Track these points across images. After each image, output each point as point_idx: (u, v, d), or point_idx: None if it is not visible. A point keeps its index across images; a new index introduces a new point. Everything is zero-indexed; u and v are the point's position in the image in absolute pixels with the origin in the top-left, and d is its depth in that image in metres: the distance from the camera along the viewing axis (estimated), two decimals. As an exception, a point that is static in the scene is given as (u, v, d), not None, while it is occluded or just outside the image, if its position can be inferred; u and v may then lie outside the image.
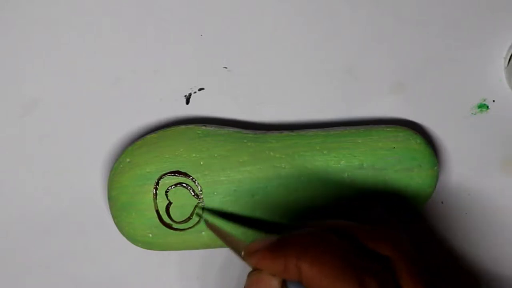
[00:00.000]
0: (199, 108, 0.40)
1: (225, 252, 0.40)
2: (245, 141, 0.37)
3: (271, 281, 0.30)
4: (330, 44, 0.40)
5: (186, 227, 0.37)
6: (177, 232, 0.37)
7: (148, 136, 0.38)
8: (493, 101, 0.40)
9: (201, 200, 0.37)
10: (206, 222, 0.36)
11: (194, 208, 0.37)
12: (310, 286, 0.28)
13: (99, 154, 0.40)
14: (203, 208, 0.37)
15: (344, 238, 0.30)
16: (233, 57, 0.40)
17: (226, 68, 0.40)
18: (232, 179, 0.37)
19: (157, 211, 0.37)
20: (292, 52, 0.40)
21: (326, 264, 0.28)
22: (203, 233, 0.37)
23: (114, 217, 0.38)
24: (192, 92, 0.40)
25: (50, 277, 0.40)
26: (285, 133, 0.38)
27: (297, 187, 0.37)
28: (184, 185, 0.37)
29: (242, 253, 0.31)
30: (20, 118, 0.40)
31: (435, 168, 0.38)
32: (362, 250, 0.30)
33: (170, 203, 0.37)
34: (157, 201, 0.37)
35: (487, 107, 0.40)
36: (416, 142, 0.38)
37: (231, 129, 0.38)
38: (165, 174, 0.37)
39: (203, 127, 0.38)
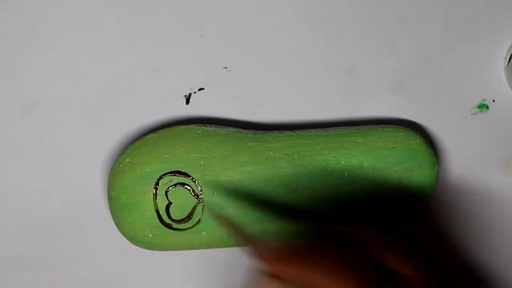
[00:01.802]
0: (199, 108, 0.40)
1: (226, 252, 0.40)
2: (245, 141, 0.37)
3: None
4: (330, 44, 0.40)
5: (186, 227, 0.37)
6: (177, 232, 0.37)
7: (148, 136, 0.38)
8: (493, 101, 0.40)
9: (201, 200, 0.37)
10: (211, 210, 0.36)
11: (194, 208, 0.37)
12: None
13: (99, 154, 0.40)
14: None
15: (356, 249, 0.30)
16: (233, 57, 0.40)
17: (226, 68, 0.40)
18: (232, 179, 0.37)
19: (157, 211, 0.37)
20: (292, 52, 0.40)
21: (340, 277, 0.29)
22: (203, 233, 0.37)
23: (114, 217, 0.38)
24: (192, 92, 0.40)
25: (50, 277, 0.40)
26: (285, 133, 0.38)
27: (297, 187, 0.37)
28: (184, 185, 0.37)
29: (255, 251, 0.31)
30: (20, 118, 0.40)
31: (435, 168, 0.38)
32: (373, 262, 0.30)
33: (170, 203, 0.37)
34: (157, 201, 0.37)
35: (487, 107, 0.40)
36: (416, 142, 0.38)
37: (231, 129, 0.38)
38: (165, 174, 0.37)
39: (203, 127, 0.38)
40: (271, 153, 0.37)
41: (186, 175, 0.37)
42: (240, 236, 0.33)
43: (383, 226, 0.38)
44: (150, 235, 0.37)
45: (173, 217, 0.37)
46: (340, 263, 0.29)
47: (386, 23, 0.40)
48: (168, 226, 0.37)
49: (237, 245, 0.38)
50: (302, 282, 0.29)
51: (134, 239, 0.37)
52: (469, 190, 0.41)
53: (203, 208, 0.37)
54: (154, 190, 0.37)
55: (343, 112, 0.40)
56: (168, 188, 0.37)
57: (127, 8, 0.40)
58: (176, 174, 0.37)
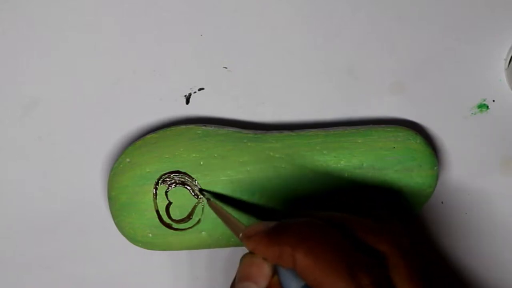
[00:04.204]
0: (199, 108, 0.40)
1: (226, 252, 0.40)
2: (245, 141, 0.37)
3: (263, 266, 0.31)
4: (330, 44, 0.40)
5: (186, 227, 0.37)
6: (177, 232, 0.37)
7: (148, 136, 0.38)
8: (493, 101, 0.40)
9: (200, 200, 0.37)
10: (208, 200, 0.36)
11: (194, 208, 0.37)
12: (303, 275, 0.29)
13: (99, 154, 0.40)
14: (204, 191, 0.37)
15: (340, 230, 0.30)
16: (233, 57, 0.40)
17: (226, 68, 0.40)
18: (232, 179, 0.37)
19: (157, 211, 0.37)
20: (292, 52, 0.40)
21: (320, 256, 0.28)
22: (203, 233, 0.37)
23: (114, 217, 0.38)
24: (192, 92, 0.40)
25: (50, 277, 0.40)
26: (285, 133, 0.38)
27: (297, 187, 0.37)
28: (184, 185, 0.37)
29: (240, 235, 0.31)
30: (20, 118, 0.40)
31: (435, 168, 0.38)
32: (357, 244, 0.30)
33: (170, 203, 0.37)
34: (157, 201, 0.37)
35: (487, 107, 0.40)
36: (416, 142, 0.38)
37: (231, 129, 0.38)
38: (165, 174, 0.37)
39: (203, 127, 0.38)
40: (271, 153, 0.37)
41: (186, 175, 0.37)
42: (227, 221, 0.34)
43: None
44: (150, 235, 0.37)
45: (173, 217, 0.37)
46: (322, 243, 0.29)
47: (386, 23, 0.40)
48: (168, 226, 0.37)
49: (237, 244, 0.38)
50: (282, 260, 0.29)
51: (134, 239, 0.37)
52: (469, 190, 0.41)
53: (203, 208, 0.37)
54: (154, 190, 0.37)
55: (343, 112, 0.40)
56: (168, 188, 0.37)
57: (127, 8, 0.40)
58: (176, 174, 0.37)
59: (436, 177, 0.38)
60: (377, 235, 0.30)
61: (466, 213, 0.41)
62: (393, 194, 0.37)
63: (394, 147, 0.37)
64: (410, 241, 0.31)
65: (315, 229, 0.30)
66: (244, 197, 0.37)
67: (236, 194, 0.37)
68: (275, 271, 0.31)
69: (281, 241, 0.29)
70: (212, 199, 0.36)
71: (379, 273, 0.28)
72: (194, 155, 0.37)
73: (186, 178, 0.37)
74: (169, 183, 0.37)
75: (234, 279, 0.31)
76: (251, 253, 0.31)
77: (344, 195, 0.37)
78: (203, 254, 0.40)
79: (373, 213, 0.34)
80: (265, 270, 0.31)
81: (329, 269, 0.28)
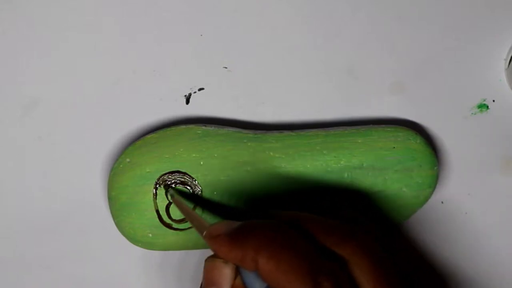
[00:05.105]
0: (199, 108, 0.40)
1: (225, 252, 0.40)
2: (245, 141, 0.37)
3: (224, 269, 0.31)
4: (330, 44, 0.40)
5: (186, 227, 0.37)
6: (177, 232, 0.37)
7: (148, 136, 0.38)
8: (493, 101, 0.40)
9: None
10: (172, 197, 0.36)
11: (194, 208, 0.37)
12: (265, 279, 0.29)
13: (99, 154, 0.40)
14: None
15: (302, 233, 0.30)
16: (233, 57, 0.40)
17: (226, 68, 0.40)
18: (232, 179, 0.37)
19: (157, 211, 0.37)
20: (292, 52, 0.40)
21: (282, 261, 0.28)
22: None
23: (114, 217, 0.38)
24: (192, 92, 0.40)
25: (50, 277, 0.40)
26: (285, 133, 0.38)
27: (297, 187, 0.37)
28: (184, 185, 0.37)
29: (204, 233, 0.31)
30: (20, 118, 0.40)
31: (435, 168, 0.38)
32: (318, 246, 0.30)
33: (170, 203, 0.37)
34: (157, 201, 0.37)
35: (487, 107, 0.40)
36: (416, 142, 0.38)
37: (231, 129, 0.38)
38: (165, 174, 0.37)
39: (203, 127, 0.38)
40: (271, 153, 0.37)
41: (186, 175, 0.37)
42: (191, 219, 0.33)
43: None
44: (150, 235, 0.37)
45: (173, 217, 0.37)
46: (285, 248, 0.28)
47: (386, 23, 0.40)
48: (168, 226, 0.37)
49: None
50: (245, 264, 0.29)
51: (134, 239, 0.37)
52: (469, 190, 0.41)
53: (203, 208, 0.37)
54: (154, 190, 0.37)
55: (343, 112, 0.40)
56: (168, 188, 0.37)
57: (127, 8, 0.40)
58: (176, 174, 0.37)
59: (436, 177, 0.38)
60: (336, 236, 0.30)
61: (466, 213, 0.41)
62: (392, 194, 0.37)
63: (394, 147, 0.37)
64: (377, 239, 0.31)
65: (278, 233, 0.29)
66: (244, 197, 0.37)
67: (236, 194, 0.37)
68: (237, 272, 0.31)
69: (244, 245, 0.29)
70: (176, 195, 0.36)
71: (341, 276, 0.28)
72: (194, 155, 0.37)
73: (186, 178, 0.37)
74: (169, 183, 0.37)
75: (201, 284, 0.31)
76: (213, 256, 0.31)
77: (344, 195, 0.37)
78: (202, 254, 0.40)
79: (340, 214, 0.34)
80: (227, 273, 0.31)
81: (291, 274, 0.28)
